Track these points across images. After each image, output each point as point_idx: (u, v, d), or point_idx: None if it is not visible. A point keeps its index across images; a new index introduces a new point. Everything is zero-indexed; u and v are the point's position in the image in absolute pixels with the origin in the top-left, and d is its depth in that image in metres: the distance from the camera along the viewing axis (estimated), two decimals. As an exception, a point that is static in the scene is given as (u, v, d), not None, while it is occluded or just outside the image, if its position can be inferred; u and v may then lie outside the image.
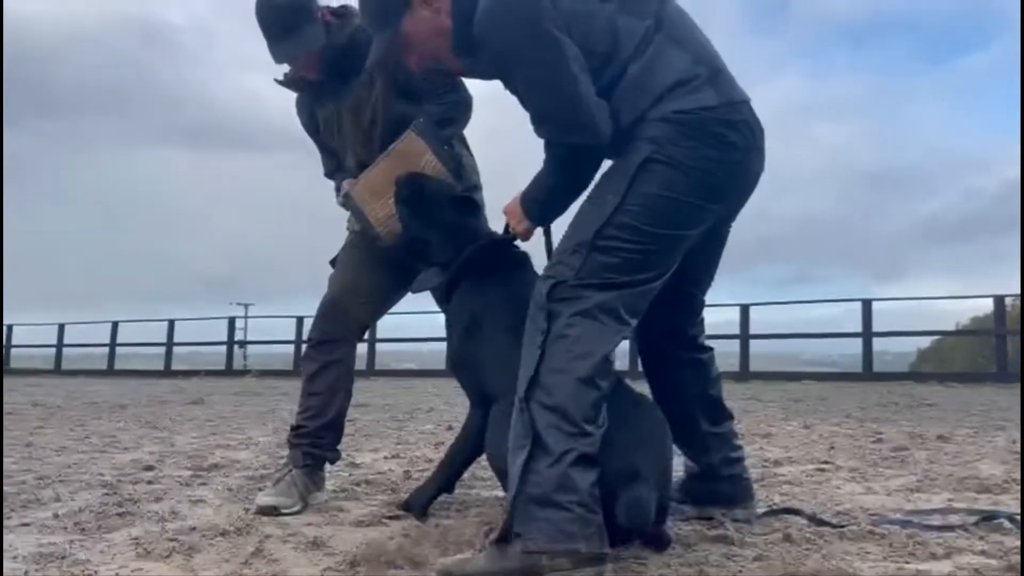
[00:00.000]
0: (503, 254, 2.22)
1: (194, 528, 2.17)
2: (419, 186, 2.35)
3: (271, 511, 2.36)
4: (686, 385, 2.23)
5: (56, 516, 2.34)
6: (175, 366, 18.05)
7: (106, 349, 19.13)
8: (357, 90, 2.56)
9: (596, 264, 1.80)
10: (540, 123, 1.87)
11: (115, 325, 19.27)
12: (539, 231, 2.11)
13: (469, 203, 2.39)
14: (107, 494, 2.68)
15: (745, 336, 13.28)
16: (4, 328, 20.24)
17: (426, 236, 2.31)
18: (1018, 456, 3.42)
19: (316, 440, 2.58)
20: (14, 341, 20.61)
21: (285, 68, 2.60)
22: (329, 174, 2.83)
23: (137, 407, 7.24)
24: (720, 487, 2.23)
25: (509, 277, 2.19)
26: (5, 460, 3.55)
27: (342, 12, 2.59)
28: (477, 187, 2.64)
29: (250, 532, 2.13)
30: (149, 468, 3.31)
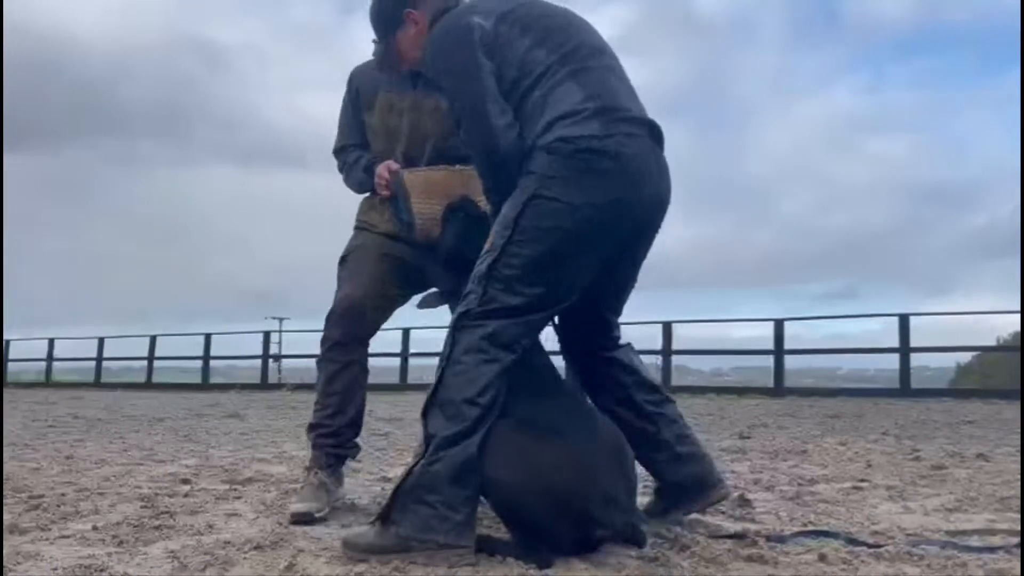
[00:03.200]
0: None
1: (229, 542, 2.20)
2: (485, 216, 2.41)
3: (306, 517, 2.43)
4: (618, 375, 2.33)
5: (95, 528, 2.38)
6: (211, 379, 18.27)
7: (144, 363, 19.45)
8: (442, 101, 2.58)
9: (493, 294, 2.00)
10: (460, 129, 2.14)
11: (153, 339, 19.60)
12: None
13: None
14: (144, 507, 2.73)
15: (780, 351, 13.12)
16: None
17: (467, 259, 2.34)
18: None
19: (339, 439, 2.69)
20: (55, 354, 21.03)
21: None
22: (338, 151, 2.83)
23: (174, 420, 7.34)
24: (686, 468, 2.30)
25: None
26: (48, 472, 3.63)
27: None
28: None
29: (283, 546, 2.15)
30: (186, 481, 3.36)
